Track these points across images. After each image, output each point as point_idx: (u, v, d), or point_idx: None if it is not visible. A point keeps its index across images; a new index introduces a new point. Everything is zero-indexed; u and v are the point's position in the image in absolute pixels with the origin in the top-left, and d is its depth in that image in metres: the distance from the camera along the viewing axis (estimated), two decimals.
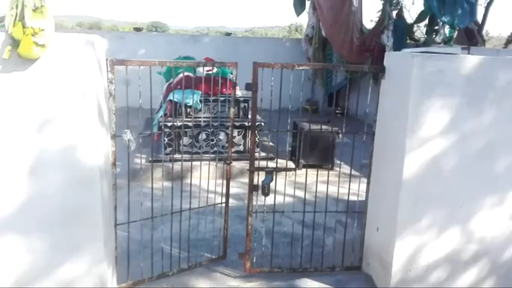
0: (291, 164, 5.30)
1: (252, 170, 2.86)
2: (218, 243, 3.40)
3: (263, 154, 5.38)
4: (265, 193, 2.82)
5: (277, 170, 2.87)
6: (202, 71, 5.90)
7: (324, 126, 5.34)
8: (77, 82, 2.11)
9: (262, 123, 5.44)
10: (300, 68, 2.93)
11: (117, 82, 2.53)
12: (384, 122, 2.81)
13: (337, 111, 9.39)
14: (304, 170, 5.35)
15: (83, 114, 2.16)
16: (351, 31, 7.13)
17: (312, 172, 5.15)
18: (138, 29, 9.17)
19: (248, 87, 2.72)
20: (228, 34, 9.60)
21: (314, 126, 5.32)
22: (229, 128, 3.08)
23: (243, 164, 5.14)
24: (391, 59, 2.72)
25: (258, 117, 5.36)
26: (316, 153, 5.35)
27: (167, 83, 6.05)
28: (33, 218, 2.17)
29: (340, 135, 5.33)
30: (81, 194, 2.21)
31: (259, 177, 2.91)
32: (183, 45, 9.16)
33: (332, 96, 9.31)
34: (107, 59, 2.40)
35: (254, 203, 2.95)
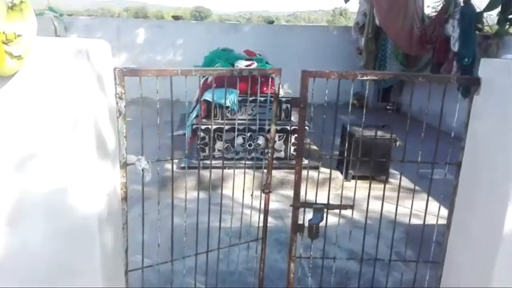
0: (338, 175, 4.66)
1: (297, 206, 2.27)
2: (253, 278, 2.87)
3: (305, 162, 4.75)
4: (313, 235, 2.23)
5: (330, 207, 2.26)
6: (241, 66, 5.33)
7: (378, 132, 4.65)
8: (66, 105, 1.58)
9: (307, 128, 4.80)
10: (365, 78, 2.26)
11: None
12: (477, 151, 2.12)
13: (388, 107, 8.58)
14: (353, 181, 4.73)
15: (75, 146, 1.63)
16: (411, 19, 6.30)
17: (362, 185, 4.52)
18: (177, 18, 8.71)
19: (295, 102, 2.08)
20: (271, 22, 8.94)
21: (367, 132, 4.63)
22: (269, 153, 2.47)
23: (283, 174, 4.56)
24: (490, 67, 2.01)
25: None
26: (369, 163, 4.66)
27: (203, 78, 5.51)
28: (13, 277, 1.68)
29: (398, 143, 4.63)
30: (73, 247, 1.70)
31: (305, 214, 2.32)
32: (223, 34, 8.61)
33: (384, 90, 8.51)
34: (115, 69, 1.85)
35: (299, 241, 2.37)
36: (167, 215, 2.56)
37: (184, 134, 4.94)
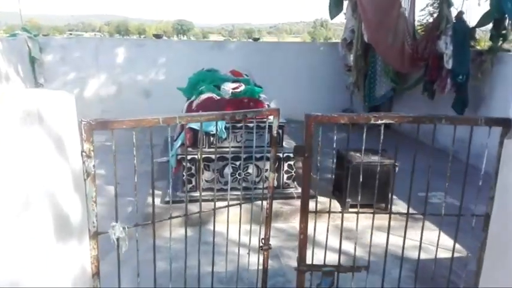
0: (336, 204, 4.36)
1: (303, 270, 1.94)
2: None
3: (299, 190, 4.45)
4: None
5: (341, 269, 1.94)
6: (227, 89, 5.04)
7: (376, 157, 4.37)
8: (13, 181, 1.23)
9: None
10: (379, 121, 1.98)
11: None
12: (510, 202, 1.83)
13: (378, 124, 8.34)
14: (352, 211, 4.44)
15: (28, 228, 1.28)
16: (401, 36, 6.10)
17: (362, 214, 4.24)
18: (158, 36, 8.40)
19: (298, 151, 1.77)
20: (256, 39, 8.69)
21: (365, 158, 4.36)
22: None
23: (276, 205, 4.23)
24: None
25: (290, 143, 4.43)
26: (367, 190, 4.38)
27: (188, 101, 5.20)
28: None
29: (397, 169, 4.36)
30: None
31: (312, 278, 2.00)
32: (207, 52, 8.31)
33: (373, 108, 8.28)
34: (81, 122, 1.52)
35: None
36: (149, 259, 2.20)
37: (168, 161, 4.60)
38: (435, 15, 6.27)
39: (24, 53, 7.49)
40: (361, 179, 4.32)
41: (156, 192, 4.47)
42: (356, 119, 2.00)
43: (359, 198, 4.04)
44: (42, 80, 7.86)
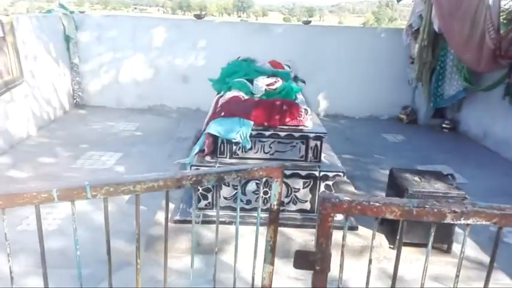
0: (382, 240, 3.48)
1: None
2: None
3: (338, 218, 3.62)
4: None
5: None
6: (261, 85, 4.23)
7: (440, 185, 3.43)
8: None
9: (341, 174, 3.63)
10: (457, 221, 1.11)
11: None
12: None
13: (444, 125, 7.21)
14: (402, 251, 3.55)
15: None
16: (482, 28, 4.94)
17: (415, 255, 3.41)
18: (198, 16, 7.67)
19: (302, 261, 0.92)
20: (307, 22, 7.73)
21: (425, 185, 3.44)
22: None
23: (307, 236, 3.43)
24: None
25: (331, 156, 3.57)
26: (425, 226, 3.47)
27: (217, 96, 4.46)
28: None
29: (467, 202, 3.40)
30: None
31: None
32: (251, 36, 7.50)
33: (440, 109, 7.15)
34: None
35: None
36: None
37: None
38: None
39: (59, 31, 7.07)
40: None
41: (169, 205, 3.82)
42: (405, 210, 1.14)
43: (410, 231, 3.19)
44: (76, 59, 7.44)
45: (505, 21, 5.57)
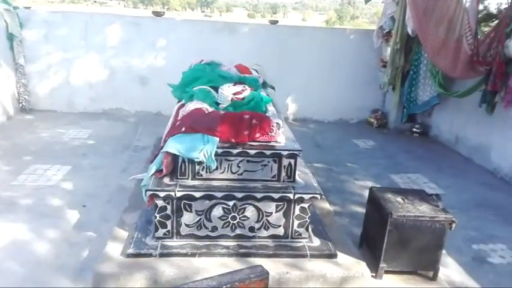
0: (364, 269, 3.13)
1: None
2: None
3: (315, 243, 3.24)
4: None
5: None
6: (226, 94, 3.80)
7: (425, 208, 3.11)
8: None
9: (318, 197, 3.26)
10: None
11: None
12: None
13: (415, 130, 7.02)
14: (385, 280, 3.22)
15: None
16: (459, 32, 4.70)
17: (399, 283, 3.11)
18: (158, 14, 7.11)
19: None
20: (274, 22, 7.34)
21: (410, 209, 3.11)
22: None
23: (281, 267, 3.02)
24: None
25: (306, 175, 3.20)
26: (410, 252, 3.15)
27: (178, 104, 3.99)
28: None
29: (454, 226, 3.10)
30: None
31: None
32: (215, 35, 7.04)
33: (411, 115, 6.95)
34: None
35: None
36: None
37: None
38: (506, 6, 4.82)
39: (1, 29, 6.35)
40: (405, 238, 3.12)
41: (121, 233, 3.33)
42: None
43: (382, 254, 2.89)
44: (22, 59, 6.73)
45: (486, 29, 5.39)
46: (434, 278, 3.20)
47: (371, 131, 7.24)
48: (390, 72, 6.19)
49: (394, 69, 6.22)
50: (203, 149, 3.07)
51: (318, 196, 3.20)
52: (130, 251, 3.03)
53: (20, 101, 6.84)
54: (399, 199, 3.24)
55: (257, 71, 4.93)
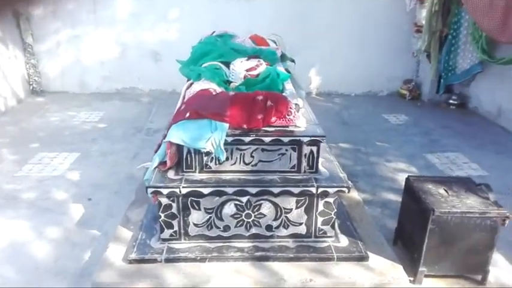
0: (400, 272, 2.69)
1: None
2: None
3: (343, 243, 2.82)
4: None
5: None
6: (238, 70, 3.34)
7: (473, 201, 2.63)
8: None
9: (346, 190, 2.80)
10: None
11: None
12: None
13: (452, 101, 6.39)
14: (424, 284, 2.78)
15: None
16: None
17: None
18: None
19: None
20: None
21: (454, 201, 2.63)
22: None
23: (304, 273, 2.62)
24: None
25: (331, 163, 2.75)
26: (455, 253, 2.69)
27: (187, 83, 3.56)
28: None
29: (507, 222, 2.62)
30: None
31: None
32: (230, 5, 6.50)
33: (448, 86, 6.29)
34: None
35: None
36: None
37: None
38: None
39: None
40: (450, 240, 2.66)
41: (125, 233, 3.00)
42: None
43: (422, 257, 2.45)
44: (30, 38, 6.41)
45: None
46: (483, 282, 2.74)
47: (403, 104, 6.63)
48: (427, 38, 5.53)
49: (431, 34, 5.55)
50: (211, 137, 2.65)
51: (346, 190, 2.75)
52: (133, 256, 2.68)
53: (31, 82, 6.55)
54: (441, 191, 2.75)
55: (275, 42, 4.43)
